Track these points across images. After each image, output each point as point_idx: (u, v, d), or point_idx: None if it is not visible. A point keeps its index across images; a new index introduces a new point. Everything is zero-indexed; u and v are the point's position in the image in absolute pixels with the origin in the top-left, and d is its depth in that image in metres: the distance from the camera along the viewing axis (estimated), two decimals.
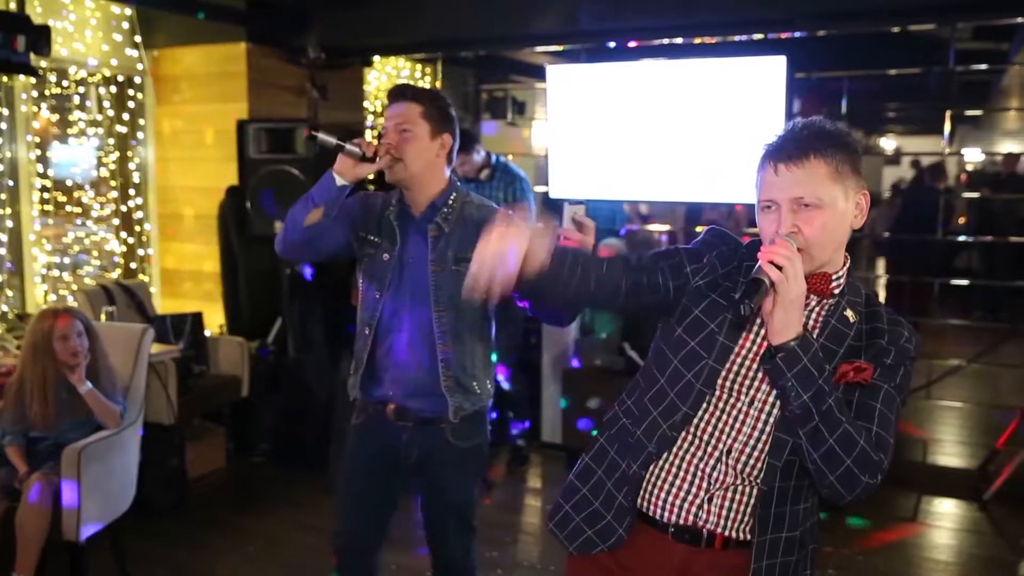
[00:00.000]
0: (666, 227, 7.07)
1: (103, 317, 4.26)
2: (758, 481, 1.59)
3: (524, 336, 5.06)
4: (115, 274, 5.40)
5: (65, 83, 5.10)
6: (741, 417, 1.59)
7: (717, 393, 1.59)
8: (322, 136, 2.27)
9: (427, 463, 2.42)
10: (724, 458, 1.60)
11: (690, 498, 1.62)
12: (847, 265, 1.58)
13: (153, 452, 3.81)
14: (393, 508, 2.53)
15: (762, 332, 1.56)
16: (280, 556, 3.77)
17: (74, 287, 5.12)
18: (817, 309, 1.57)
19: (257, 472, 4.76)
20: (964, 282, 6.77)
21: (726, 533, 1.62)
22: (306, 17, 5.39)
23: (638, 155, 4.79)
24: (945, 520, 4.21)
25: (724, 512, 1.62)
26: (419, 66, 7.14)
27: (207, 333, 4.92)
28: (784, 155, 1.50)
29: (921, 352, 1.59)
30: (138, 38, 5.26)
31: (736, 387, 1.59)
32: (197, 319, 4.75)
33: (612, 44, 5.32)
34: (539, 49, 6.43)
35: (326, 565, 3.68)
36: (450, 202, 2.38)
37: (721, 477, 1.60)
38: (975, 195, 9.38)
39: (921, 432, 5.25)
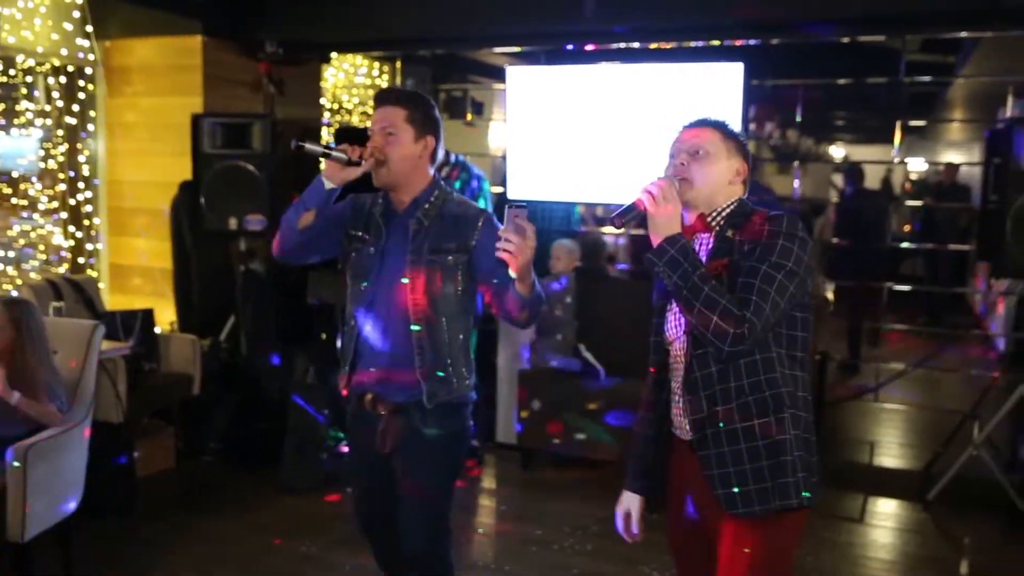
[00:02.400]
0: (620, 230, 7.13)
1: (50, 312, 4.16)
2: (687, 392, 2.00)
3: (480, 335, 5.06)
4: (61, 269, 5.27)
5: (12, 72, 4.97)
6: (684, 337, 2.02)
7: (671, 324, 2.06)
8: (309, 146, 2.36)
9: (399, 450, 2.46)
10: (685, 376, 2.01)
11: (679, 415, 2.06)
12: (734, 203, 2.02)
13: (101, 451, 3.73)
14: (391, 497, 2.56)
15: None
16: (232, 556, 3.72)
17: (18, 281, 4.99)
18: (707, 240, 2.01)
19: (208, 471, 4.69)
20: (908, 288, 6.94)
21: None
22: (264, 11, 5.33)
23: (595, 158, 4.83)
24: (890, 520, 4.31)
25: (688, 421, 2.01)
26: (377, 64, 7.10)
27: (158, 330, 4.83)
28: (688, 124, 2.09)
29: (791, 229, 1.89)
30: (89, 28, 5.14)
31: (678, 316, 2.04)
32: (148, 316, 4.67)
33: (570, 47, 5.35)
34: (498, 50, 6.45)
35: (279, 564, 3.66)
36: (432, 199, 2.47)
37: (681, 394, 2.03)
38: (918, 203, 9.62)
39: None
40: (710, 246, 2.00)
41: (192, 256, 5.19)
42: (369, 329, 2.47)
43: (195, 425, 4.84)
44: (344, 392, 2.58)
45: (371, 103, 6.50)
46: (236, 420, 4.84)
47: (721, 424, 1.92)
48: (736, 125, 2.10)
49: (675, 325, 2.05)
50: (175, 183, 5.13)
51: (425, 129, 2.45)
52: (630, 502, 2.19)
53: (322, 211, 2.42)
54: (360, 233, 2.52)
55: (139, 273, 5.53)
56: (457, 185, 5.06)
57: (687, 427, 2.00)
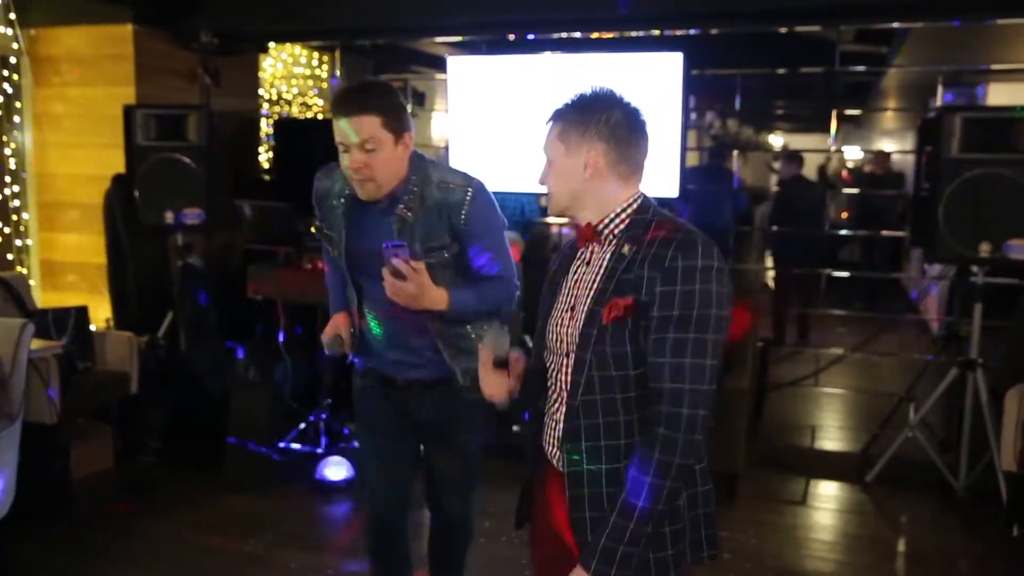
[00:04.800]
0: (564, 220, 7.13)
1: None
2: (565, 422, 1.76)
3: None
4: None
5: None
6: (563, 366, 1.75)
7: (550, 346, 1.79)
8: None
9: (438, 417, 2.43)
10: (563, 407, 1.75)
11: (555, 444, 1.79)
12: (630, 207, 1.72)
13: (33, 453, 3.61)
14: (413, 466, 2.55)
15: (570, 281, 1.77)
16: (175, 558, 3.63)
17: None
18: (600, 256, 1.72)
19: (147, 471, 4.57)
20: (846, 274, 7.08)
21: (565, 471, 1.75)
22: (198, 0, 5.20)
23: (538, 147, 4.81)
24: (831, 502, 4.40)
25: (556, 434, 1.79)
26: (316, 54, 6.99)
27: (93, 328, 4.69)
28: (549, 118, 1.79)
29: (704, 264, 1.58)
30: (12, 15, 4.96)
31: (556, 338, 1.78)
32: (81, 313, 4.53)
33: (512, 36, 5.34)
34: (439, 40, 6.40)
35: (222, 564, 3.59)
36: (411, 188, 2.27)
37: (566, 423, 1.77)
38: (854, 191, 9.83)
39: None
40: (602, 264, 1.70)
41: (127, 251, 5.06)
42: (382, 328, 2.40)
43: (133, 424, 4.72)
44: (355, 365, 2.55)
45: (310, 94, 6.37)
46: (176, 418, 4.74)
47: (603, 482, 1.68)
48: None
49: (560, 334, 1.75)
50: (108, 176, 4.99)
51: (402, 126, 2.23)
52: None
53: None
54: (324, 228, 2.42)
55: (72, 269, 5.37)
56: None
57: (558, 459, 1.76)
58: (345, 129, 2.18)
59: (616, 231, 1.71)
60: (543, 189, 1.78)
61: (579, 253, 1.78)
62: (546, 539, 1.85)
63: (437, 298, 2.24)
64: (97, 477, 4.42)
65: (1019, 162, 3.99)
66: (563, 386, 1.74)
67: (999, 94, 7.17)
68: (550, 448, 1.79)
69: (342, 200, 2.34)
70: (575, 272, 1.77)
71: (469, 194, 2.27)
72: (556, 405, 1.77)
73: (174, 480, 4.45)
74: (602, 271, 1.69)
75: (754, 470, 4.49)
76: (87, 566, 3.56)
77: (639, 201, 1.73)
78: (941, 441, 4.66)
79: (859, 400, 5.96)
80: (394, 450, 2.52)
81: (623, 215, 1.71)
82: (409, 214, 2.26)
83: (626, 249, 1.66)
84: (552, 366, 1.79)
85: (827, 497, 4.44)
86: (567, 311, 1.74)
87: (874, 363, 6.31)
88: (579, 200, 1.73)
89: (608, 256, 1.70)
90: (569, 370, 1.71)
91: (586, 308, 1.69)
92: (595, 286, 1.69)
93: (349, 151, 2.19)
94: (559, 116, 1.77)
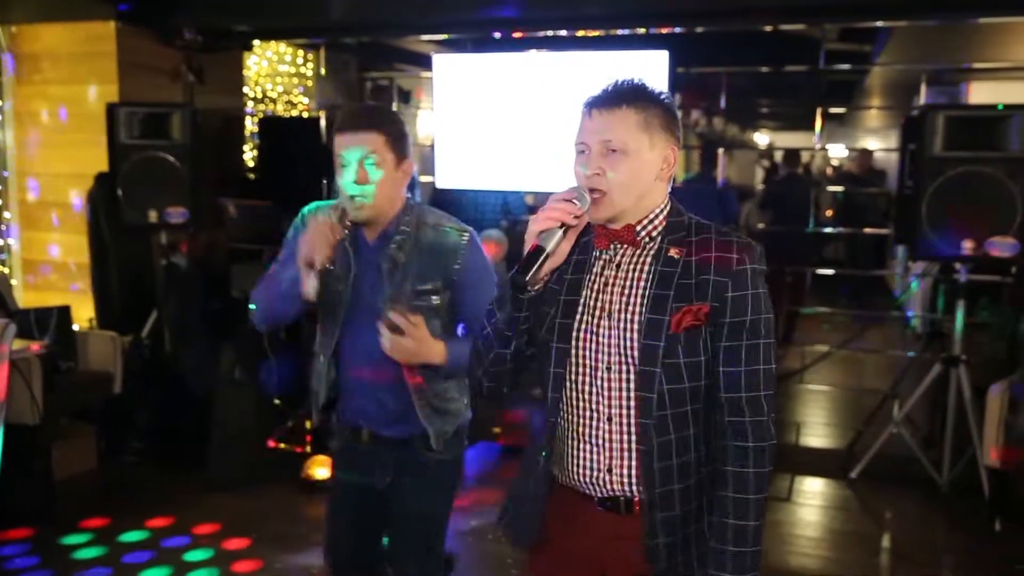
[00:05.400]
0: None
1: None
2: (639, 443, 1.61)
3: None
4: None
5: None
6: (605, 381, 1.62)
7: (577, 354, 1.63)
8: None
9: (400, 478, 2.28)
10: (608, 424, 1.62)
11: (596, 467, 1.64)
12: (665, 207, 1.64)
13: (16, 454, 3.58)
14: (379, 532, 2.39)
15: (597, 284, 1.64)
16: (160, 559, 3.61)
17: None
18: (637, 256, 1.62)
19: (131, 472, 4.55)
20: (830, 272, 7.12)
21: (640, 496, 1.63)
22: None
23: (524, 145, 4.82)
24: (816, 498, 4.41)
25: (628, 477, 1.63)
26: (301, 52, 6.96)
27: (75, 327, 4.66)
28: (600, 102, 1.60)
29: (762, 261, 1.60)
30: None
31: (591, 347, 1.62)
32: (64, 312, 4.49)
33: (498, 34, 5.33)
34: (424, 37, 6.38)
35: (210, 565, 3.57)
36: (403, 228, 2.18)
37: (614, 442, 1.63)
38: (839, 189, 9.87)
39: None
40: (644, 269, 1.60)
41: (110, 250, 5.02)
42: (357, 376, 2.25)
43: (117, 424, 4.69)
44: (319, 421, 2.39)
45: (295, 92, 6.37)
46: (160, 418, 4.71)
47: (678, 504, 1.62)
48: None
49: (600, 343, 1.61)
50: (90, 175, 4.95)
51: (405, 150, 2.16)
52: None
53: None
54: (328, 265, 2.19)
55: (54, 269, 5.33)
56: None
57: (603, 480, 1.64)
58: (343, 141, 2.12)
59: (653, 233, 1.62)
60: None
61: (599, 254, 1.65)
62: (571, 565, 1.71)
63: (435, 352, 2.14)
64: (80, 478, 4.39)
65: (1001, 160, 4.01)
66: (610, 403, 1.61)
67: (980, 92, 7.21)
68: (582, 471, 1.65)
69: (346, 232, 2.17)
70: (601, 275, 1.64)
71: (466, 239, 2.19)
72: (595, 424, 1.62)
73: (158, 480, 4.43)
74: (650, 276, 1.59)
75: None
76: (70, 567, 3.53)
77: (671, 203, 1.66)
78: (925, 437, 4.69)
79: (844, 397, 5.99)
80: (363, 508, 2.36)
81: (659, 217, 1.63)
82: (401, 254, 2.17)
83: (674, 253, 1.59)
84: (579, 379, 1.63)
85: (812, 493, 4.46)
86: (603, 318, 1.61)
87: (859, 360, 6.34)
88: (640, 202, 1.60)
89: (650, 260, 1.60)
90: (624, 385, 1.59)
91: (640, 317, 1.57)
92: (645, 292, 1.58)
93: (348, 166, 2.12)
94: (637, 101, 1.59)
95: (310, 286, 2.09)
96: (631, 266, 1.62)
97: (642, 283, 1.59)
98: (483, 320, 1.73)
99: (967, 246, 4.06)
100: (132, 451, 4.68)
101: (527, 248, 1.57)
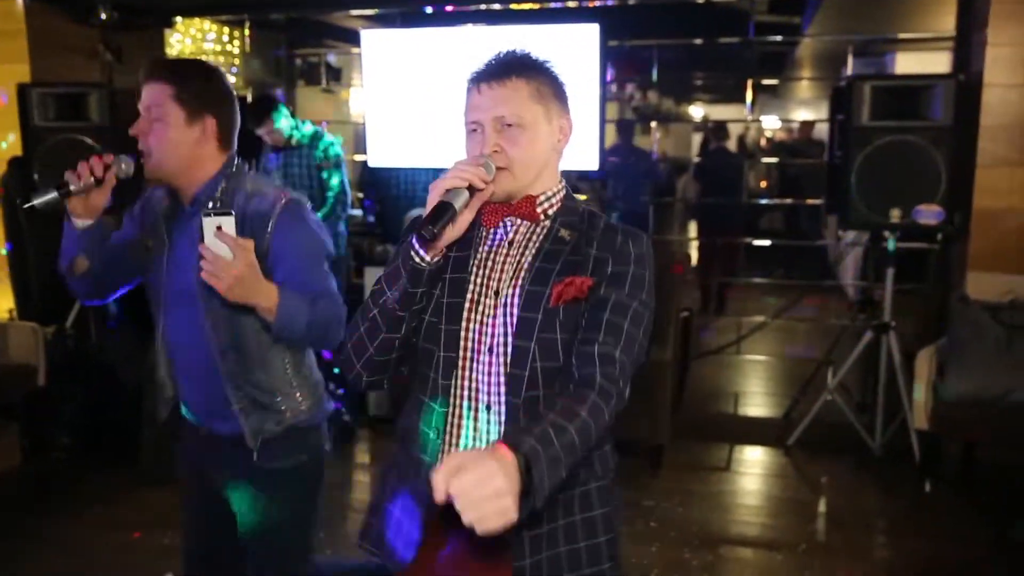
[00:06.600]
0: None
1: None
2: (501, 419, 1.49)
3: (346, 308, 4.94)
4: None
5: None
6: (487, 364, 1.51)
7: (467, 336, 1.52)
8: (39, 200, 1.94)
9: (234, 489, 2.09)
10: (487, 413, 1.51)
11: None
12: (562, 189, 1.59)
13: None
14: (234, 539, 2.13)
15: (488, 263, 1.54)
16: (92, 559, 3.49)
17: None
18: (529, 234, 1.56)
19: (58, 468, 4.40)
20: (766, 243, 7.21)
21: None
22: None
23: (456, 122, 4.74)
24: (755, 467, 4.48)
25: None
26: (226, 28, 6.76)
27: None
28: (487, 75, 1.53)
29: (649, 253, 1.53)
30: None
31: (476, 328, 1.52)
32: None
33: (429, 9, 5.23)
34: (354, 12, 6.25)
35: (140, 560, 3.47)
36: (217, 194, 1.98)
37: (492, 433, 1.51)
38: (774, 160, 10.00)
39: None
40: (534, 246, 1.54)
41: (27, 238, 4.82)
42: (177, 360, 2.07)
43: (42, 419, 4.53)
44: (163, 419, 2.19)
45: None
46: (87, 411, 4.56)
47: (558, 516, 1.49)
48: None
49: (482, 323, 1.51)
50: (3, 159, 4.74)
51: (201, 107, 1.96)
52: None
53: (92, 251, 2.01)
54: (147, 240, 2.06)
55: None
56: (312, 155, 4.90)
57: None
58: (143, 93, 1.99)
59: (549, 212, 1.56)
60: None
61: (485, 233, 1.57)
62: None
63: (264, 290, 1.87)
64: (3, 476, 4.24)
65: (926, 128, 4.08)
66: (489, 389, 1.49)
67: (907, 63, 7.34)
68: None
69: (166, 201, 2.06)
70: (491, 253, 1.55)
71: (281, 204, 1.95)
72: (474, 414, 1.50)
73: (87, 476, 4.29)
74: (538, 253, 1.52)
75: (679, 439, 4.54)
76: None
77: (566, 187, 1.60)
78: (858, 403, 4.78)
79: (781, 366, 6.09)
80: (211, 513, 2.15)
81: (556, 196, 1.57)
82: None
83: (564, 234, 1.53)
84: (464, 363, 1.51)
85: (751, 462, 4.52)
86: (489, 297, 1.52)
87: (794, 329, 6.45)
88: (540, 175, 1.54)
89: (541, 239, 1.54)
90: (499, 365, 1.48)
91: (520, 290, 1.49)
92: (529, 265, 1.51)
93: (138, 122, 1.99)
94: (528, 70, 1.53)
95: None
96: (523, 244, 1.55)
97: (529, 259, 1.53)
98: (366, 302, 1.57)
99: (895, 214, 4.12)
100: (59, 446, 4.52)
101: (431, 204, 1.45)
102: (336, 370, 4.74)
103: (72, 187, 1.96)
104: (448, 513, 1.24)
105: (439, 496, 1.18)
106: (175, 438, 2.22)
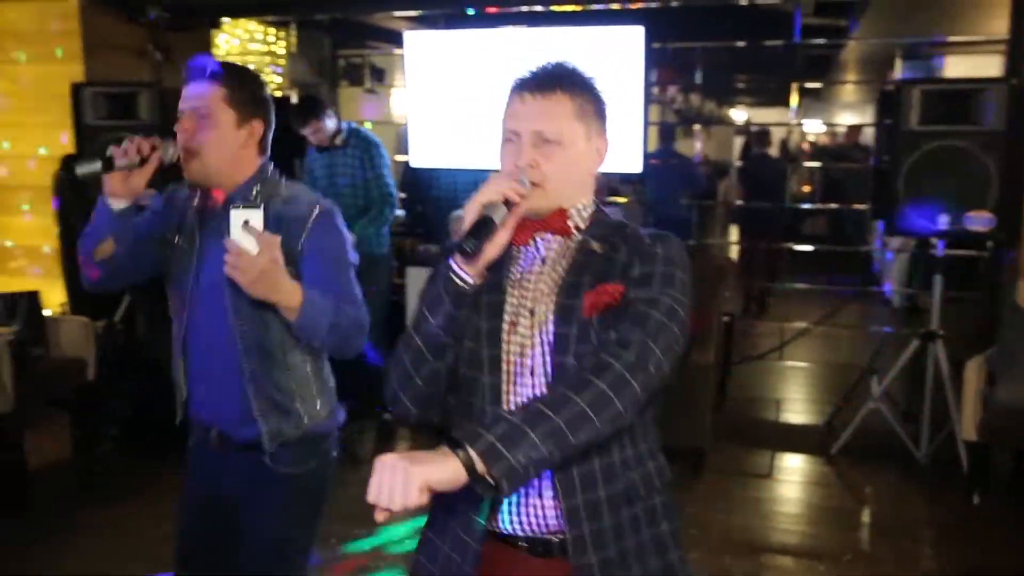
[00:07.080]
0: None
1: None
2: None
3: (387, 308, 4.98)
4: None
5: None
6: (530, 388, 1.46)
7: (507, 360, 1.47)
8: (83, 170, 1.96)
9: (242, 494, 2.07)
10: None
11: (522, 500, 1.45)
12: (592, 205, 1.54)
13: None
14: (234, 551, 2.12)
15: (522, 282, 1.49)
16: (132, 548, 3.56)
17: None
18: (562, 251, 1.50)
19: (106, 460, 4.48)
20: (809, 248, 7.12)
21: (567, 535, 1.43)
22: None
23: (498, 123, 4.75)
24: (796, 475, 4.43)
25: (546, 509, 1.45)
26: (272, 29, 6.84)
27: (48, 312, 4.57)
28: (533, 85, 1.47)
29: (680, 253, 1.48)
30: None
31: (517, 350, 1.47)
32: (33, 298, 4.40)
33: (471, 10, 5.25)
34: (397, 14, 6.29)
35: None
36: (251, 196, 1.99)
37: None
38: (817, 164, 9.89)
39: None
40: (566, 261, 1.49)
41: (80, 234, 4.92)
42: (199, 360, 2.07)
43: (92, 412, 4.62)
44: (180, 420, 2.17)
45: (267, 71, 6.20)
46: (135, 405, 4.64)
47: (605, 517, 1.44)
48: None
49: (526, 343, 1.46)
50: (56, 157, 4.84)
51: (250, 111, 2.00)
52: None
53: (121, 236, 2.03)
54: (172, 237, 2.09)
55: (22, 253, 5.22)
56: (354, 156, 4.92)
57: (542, 518, 1.44)
58: (186, 93, 2.01)
59: (581, 226, 1.51)
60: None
61: (521, 251, 1.52)
62: None
63: (288, 289, 1.88)
64: (55, 468, 4.32)
65: (977, 134, 4.01)
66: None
67: (957, 66, 7.22)
68: (510, 509, 1.46)
69: (196, 200, 2.07)
70: (524, 272, 1.50)
71: (315, 214, 1.98)
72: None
73: (134, 468, 4.36)
74: (569, 265, 1.48)
75: (720, 444, 4.51)
76: (44, 559, 3.48)
77: (597, 206, 1.55)
78: (904, 412, 4.70)
79: (823, 373, 6.01)
80: (214, 522, 2.14)
81: (587, 211, 1.52)
82: None
83: (596, 247, 1.47)
84: (504, 391, 1.46)
85: (792, 470, 4.48)
86: (526, 315, 1.47)
87: (838, 336, 6.37)
88: (576, 193, 1.50)
89: (573, 253, 1.49)
90: (542, 387, 1.43)
91: (555, 307, 1.44)
92: (563, 280, 1.46)
93: (182, 120, 1.99)
94: (574, 86, 1.47)
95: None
96: (556, 260, 1.50)
97: (561, 274, 1.48)
98: (408, 332, 1.51)
99: (943, 221, 4.05)
100: (108, 439, 4.62)
101: (469, 219, 1.40)
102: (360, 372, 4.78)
103: (117, 162, 1.97)
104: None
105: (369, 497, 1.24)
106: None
